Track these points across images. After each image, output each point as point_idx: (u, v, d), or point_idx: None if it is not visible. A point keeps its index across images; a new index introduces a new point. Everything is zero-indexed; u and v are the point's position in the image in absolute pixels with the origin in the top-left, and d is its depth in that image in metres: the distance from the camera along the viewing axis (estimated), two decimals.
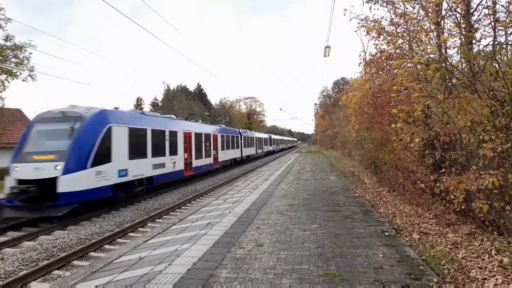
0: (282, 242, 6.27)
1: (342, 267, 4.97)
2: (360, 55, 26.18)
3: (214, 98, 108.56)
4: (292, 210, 9.14)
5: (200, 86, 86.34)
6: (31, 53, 27.59)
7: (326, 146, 51.13)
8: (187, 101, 65.39)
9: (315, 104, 71.03)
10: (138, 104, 71.10)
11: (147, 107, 70.37)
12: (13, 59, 27.02)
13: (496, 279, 4.24)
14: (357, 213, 8.66)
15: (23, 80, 27.50)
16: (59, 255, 8.07)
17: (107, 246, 8.87)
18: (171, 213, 12.66)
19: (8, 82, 26.38)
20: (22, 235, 9.59)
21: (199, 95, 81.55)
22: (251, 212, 8.95)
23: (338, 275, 4.67)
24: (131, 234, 10.00)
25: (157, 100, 71.85)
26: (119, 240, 9.41)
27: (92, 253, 8.34)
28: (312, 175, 18.49)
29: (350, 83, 26.09)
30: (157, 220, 11.65)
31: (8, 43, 26.36)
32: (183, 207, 13.71)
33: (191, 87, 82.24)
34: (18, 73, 27.03)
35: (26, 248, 8.65)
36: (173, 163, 17.86)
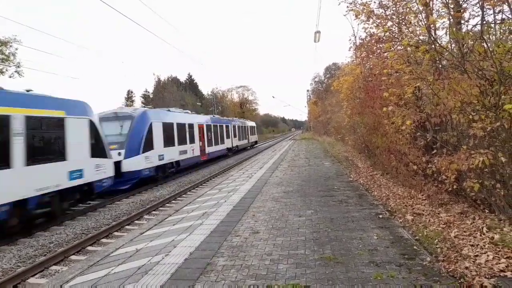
0: (278, 228, 6.32)
1: (337, 250, 5.04)
2: (350, 40, 26.20)
3: (205, 88, 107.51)
4: (287, 197, 9.20)
5: (191, 76, 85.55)
6: (17, 49, 27.04)
7: (320, 133, 51.23)
8: (178, 92, 64.86)
9: (307, 90, 71.06)
10: (129, 97, 70.27)
11: (138, 100, 69.69)
12: None
13: (488, 255, 4.32)
14: (352, 197, 8.74)
15: (10, 77, 27.05)
16: (56, 250, 8.08)
17: (103, 240, 8.89)
18: (167, 204, 12.68)
19: None
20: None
21: (190, 85, 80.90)
22: (247, 201, 9.00)
23: (334, 258, 4.74)
24: (127, 227, 10.01)
25: (148, 92, 71.01)
26: (115, 233, 9.42)
27: (89, 247, 8.36)
28: (307, 161, 18.57)
29: (341, 68, 26.04)
30: (153, 212, 11.67)
31: None
32: (178, 198, 13.73)
33: (182, 78, 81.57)
34: (4, 70, 26.54)
35: (23, 245, 8.63)
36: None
